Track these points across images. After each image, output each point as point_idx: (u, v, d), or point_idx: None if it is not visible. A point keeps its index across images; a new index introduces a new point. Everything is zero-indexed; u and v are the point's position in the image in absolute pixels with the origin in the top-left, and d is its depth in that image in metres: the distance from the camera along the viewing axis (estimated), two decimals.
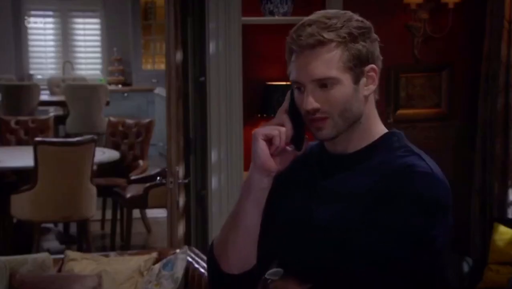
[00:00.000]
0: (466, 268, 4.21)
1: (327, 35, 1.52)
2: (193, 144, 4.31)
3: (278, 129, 1.56)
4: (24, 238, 5.58)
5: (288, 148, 1.58)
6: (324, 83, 1.53)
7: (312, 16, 1.56)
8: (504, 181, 4.31)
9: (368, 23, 1.59)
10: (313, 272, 1.56)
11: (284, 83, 3.95)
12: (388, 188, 1.52)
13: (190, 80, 4.28)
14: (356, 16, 1.58)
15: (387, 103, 4.35)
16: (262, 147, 1.56)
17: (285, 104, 1.60)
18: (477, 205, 4.39)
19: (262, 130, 1.57)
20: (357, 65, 1.54)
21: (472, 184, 4.38)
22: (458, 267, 4.21)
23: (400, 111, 4.39)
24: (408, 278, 1.52)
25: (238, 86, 3.99)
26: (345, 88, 1.54)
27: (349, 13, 1.58)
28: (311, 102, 1.53)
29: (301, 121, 1.58)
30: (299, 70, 1.54)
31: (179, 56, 4.06)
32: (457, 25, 4.34)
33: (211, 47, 3.97)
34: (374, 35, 1.59)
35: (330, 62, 1.52)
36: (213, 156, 4.02)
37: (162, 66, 9.93)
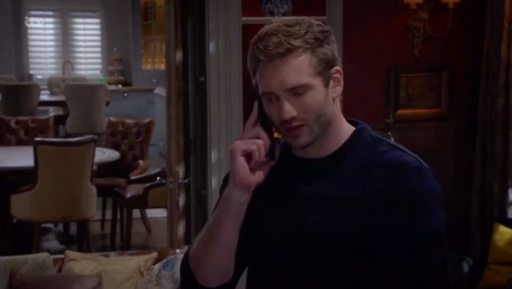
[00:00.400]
0: (466, 268, 4.21)
1: (294, 42, 1.51)
2: (193, 144, 4.31)
3: (256, 143, 1.54)
4: (24, 238, 5.58)
5: (264, 159, 1.57)
6: (297, 91, 1.52)
7: (273, 26, 1.54)
8: (504, 181, 4.31)
9: (327, 27, 1.58)
10: (310, 279, 1.56)
11: None
12: (387, 189, 1.52)
13: (190, 80, 4.28)
14: (315, 21, 1.57)
15: (387, 103, 4.35)
16: (241, 162, 1.54)
17: (253, 115, 1.59)
18: (477, 205, 4.39)
19: (239, 146, 1.55)
20: (325, 69, 1.54)
21: (472, 184, 4.38)
22: (458, 267, 4.21)
23: (400, 111, 4.39)
24: (423, 279, 1.53)
25: (238, 86, 3.99)
26: (318, 93, 1.53)
27: (306, 18, 1.57)
28: (288, 111, 1.51)
29: (271, 131, 1.57)
30: (270, 80, 1.52)
31: (179, 56, 4.06)
32: (457, 25, 4.34)
33: (211, 47, 3.97)
34: (333, 38, 1.59)
35: (301, 69, 1.51)
36: (213, 156, 4.02)
37: (162, 66, 9.94)
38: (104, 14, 11.09)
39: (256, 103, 1.60)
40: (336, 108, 1.60)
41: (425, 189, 1.53)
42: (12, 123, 6.89)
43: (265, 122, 1.57)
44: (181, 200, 4.13)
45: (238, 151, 1.54)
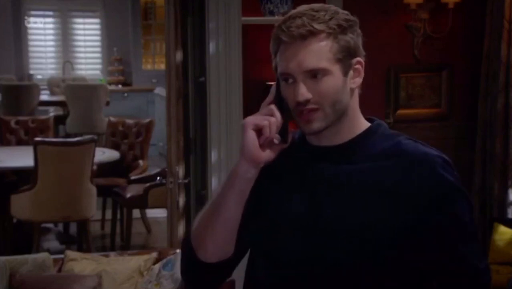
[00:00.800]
0: None
1: (317, 26, 1.52)
2: (193, 144, 4.31)
3: (268, 120, 1.54)
4: (24, 238, 5.58)
5: (275, 140, 1.57)
6: (314, 74, 1.52)
7: (299, 9, 1.56)
8: (504, 181, 4.31)
9: (354, 18, 1.59)
10: (320, 267, 1.54)
11: None
12: (410, 180, 1.52)
13: (190, 80, 4.28)
14: (342, 10, 1.58)
15: (387, 103, 4.35)
16: (251, 137, 1.54)
17: (270, 97, 1.60)
18: (477, 205, 4.39)
19: (252, 120, 1.55)
20: (346, 57, 1.55)
21: (472, 184, 4.38)
22: None
23: (400, 111, 4.39)
24: (466, 274, 1.56)
25: (238, 86, 3.99)
26: (335, 80, 1.54)
27: (334, 6, 1.59)
28: (303, 93, 1.52)
29: (287, 114, 1.57)
30: (289, 61, 1.54)
31: (179, 56, 4.06)
32: (457, 25, 4.34)
33: (211, 47, 3.97)
34: (359, 30, 1.59)
35: (320, 53, 1.52)
36: (213, 156, 4.02)
37: (162, 66, 9.94)
38: (104, 14, 11.09)
39: (274, 85, 1.60)
40: (354, 100, 1.60)
41: (451, 180, 1.54)
42: (12, 123, 6.89)
43: (281, 104, 1.57)
44: (181, 200, 4.13)
45: (250, 125, 1.54)
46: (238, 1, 3.94)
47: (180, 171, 4.09)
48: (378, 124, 1.64)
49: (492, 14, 4.26)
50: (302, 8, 1.56)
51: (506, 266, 3.99)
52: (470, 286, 1.55)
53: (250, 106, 4.09)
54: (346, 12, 1.58)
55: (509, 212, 4.34)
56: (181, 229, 4.18)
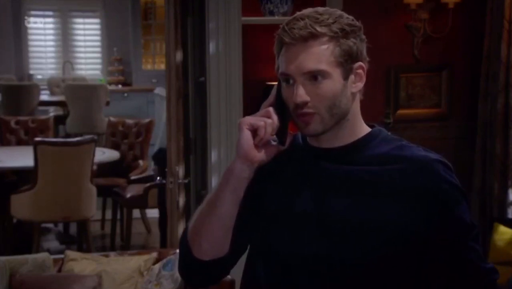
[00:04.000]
0: None
1: (320, 28, 1.53)
2: (193, 144, 4.31)
3: (264, 121, 1.56)
4: (24, 238, 5.58)
5: (272, 141, 1.58)
6: (314, 76, 1.53)
7: (304, 11, 1.58)
8: (504, 181, 4.31)
9: (358, 23, 1.60)
10: (332, 266, 1.54)
11: None
12: (414, 183, 1.53)
13: (190, 80, 4.28)
14: (347, 15, 1.59)
15: (387, 104, 4.35)
16: (246, 136, 1.55)
17: (270, 98, 1.61)
18: (477, 205, 4.38)
19: (248, 120, 1.57)
20: (347, 61, 1.55)
21: (472, 184, 4.38)
22: None
23: (400, 111, 4.39)
24: (471, 272, 1.56)
25: (238, 86, 3.99)
26: (335, 83, 1.54)
27: (339, 11, 1.60)
28: (301, 94, 1.53)
29: (286, 116, 1.58)
30: (290, 62, 1.54)
31: (179, 56, 4.06)
32: (457, 25, 4.34)
33: (211, 47, 3.97)
34: (363, 36, 1.60)
35: (321, 55, 1.53)
36: (213, 156, 4.02)
37: (162, 66, 9.93)
38: (104, 14, 11.09)
39: (275, 86, 1.61)
40: (355, 104, 1.60)
41: (455, 183, 1.56)
42: (12, 123, 6.90)
43: (281, 106, 1.58)
44: (181, 200, 4.13)
45: (245, 124, 1.56)
46: (238, 1, 3.94)
47: (180, 171, 4.09)
48: (379, 129, 1.65)
49: (492, 14, 4.25)
50: (307, 10, 1.58)
51: (506, 266, 3.99)
52: (478, 284, 1.56)
53: (250, 106, 4.10)
54: (351, 17, 1.59)
55: (509, 212, 4.34)
56: (181, 229, 4.18)
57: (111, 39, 11.03)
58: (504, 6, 4.16)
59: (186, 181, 4.15)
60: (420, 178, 1.53)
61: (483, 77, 4.33)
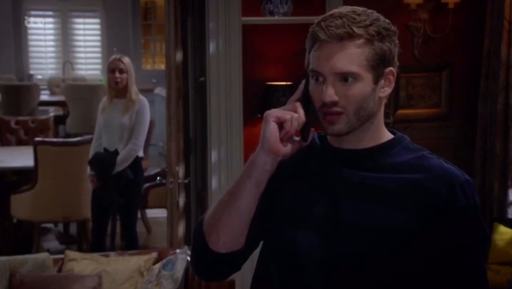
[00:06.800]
0: None
1: (357, 30, 1.51)
2: (193, 144, 4.32)
3: (291, 115, 1.54)
4: (24, 238, 5.58)
5: (295, 137, 1.57)
6: (345, 78, 1.52)
7: (341, 9, 1.55)
8: (504, 181, 4.31)
9: (394, 28, 1.58)
10: (343, 268, 1.54)
11: (284, 83, 3.94)
12: (434, 196, 1.52)
13: (190, 80, 4.28)
14: (384, 18, 1.57)
15: (387, 103, 4.34)
16: (272, 128, 1.54)
17: (297, 93, 1.59)
18: None
19: (274, 113, 1.55)
20: (379, 66, 1.54)
21: None
22: None
23: (400, 111, 4.39)
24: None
25: (238, 86, 3.99)
26: (365, 86, 1.53)
27: (376, 13, 1.57)
28: (330, 94, 1.51)
29: (311, 113, 1.56)
30: (322, 60, 1.52)
31: (179, 56, 4.06)
32: (457, 25, 4.34)
33: (211, 47, 3.97)
34: (397, 41, 1.58)
35: (355, 57, 1.51)
36: (213, 156, 4.02)
37: (162, 66, 9.94)
38: (104, 14, 11.09)
39: (303, 82, 1.59)
40: (380, 109, 1.60)
41: (474, 202, 1.56)
42: (12, 123, 6.90)
43: (307, 102, 1.56)
44: (181, 200, 4.13)
45: (272, 117, 1.54)
46: (238, 1, 3.94)
47: (180, 171, 4.09)
48: (401, 136, 1.64)
49: (492, 14, 4.25)
50: (344, 9, 1.55)
51: (506, 266, 3.99)
52: None
53: (250, 106, 4.10)
54: (387, 20, 1.57)
55: (509, 212, 4.34)
56: (181, 229, 4.19)
57: (111, 39, 11.03)
58: (504, 6, 4.16)
59: (186, 181, 4.15)
60: (437, 190, 1.52)
61: (483, 77, 4.33)
